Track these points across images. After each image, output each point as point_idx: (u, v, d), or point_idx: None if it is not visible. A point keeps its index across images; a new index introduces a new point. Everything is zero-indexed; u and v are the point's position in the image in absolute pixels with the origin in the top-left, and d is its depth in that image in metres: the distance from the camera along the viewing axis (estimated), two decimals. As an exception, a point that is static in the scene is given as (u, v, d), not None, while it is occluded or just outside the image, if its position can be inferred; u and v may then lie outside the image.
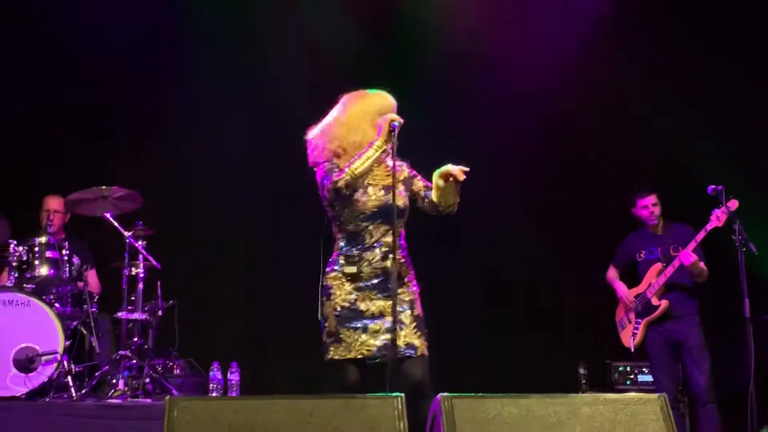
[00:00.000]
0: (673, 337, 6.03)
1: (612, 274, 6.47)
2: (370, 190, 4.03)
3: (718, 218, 5.72)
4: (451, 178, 3.96)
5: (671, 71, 7.35)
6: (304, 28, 7.41)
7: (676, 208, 6.41)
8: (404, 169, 4.16)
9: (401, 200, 4.03)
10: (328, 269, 4.06)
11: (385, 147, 3.93)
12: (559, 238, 7.48)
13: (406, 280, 4.04)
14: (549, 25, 7.35)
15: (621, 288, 6.34)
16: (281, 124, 7.23)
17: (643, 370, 6.76)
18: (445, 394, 3.08)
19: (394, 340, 3.72)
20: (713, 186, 5.76)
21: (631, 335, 6.14)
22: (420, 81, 7.05)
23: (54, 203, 6.52)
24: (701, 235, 5.85)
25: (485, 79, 7.37)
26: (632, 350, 6.13)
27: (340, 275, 4.00)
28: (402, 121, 3.95)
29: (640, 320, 6.12)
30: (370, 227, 4.00)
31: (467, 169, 3.94)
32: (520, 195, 7.54)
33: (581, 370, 7.01)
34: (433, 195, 4.07)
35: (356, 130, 4.07)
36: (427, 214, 4.18)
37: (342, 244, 4.06)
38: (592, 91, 7.36)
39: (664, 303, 6.03)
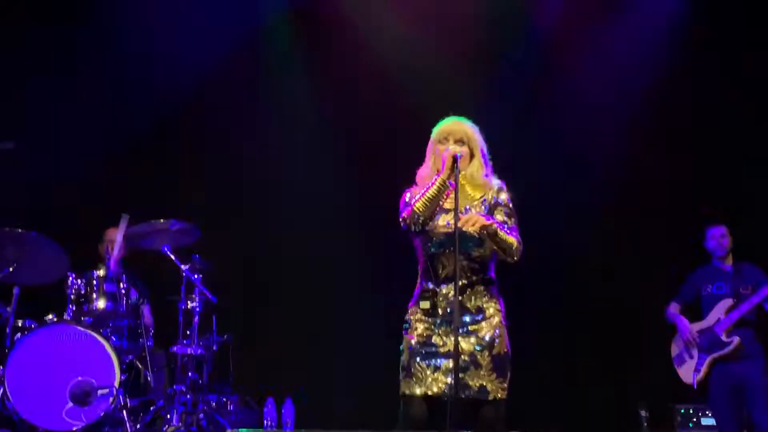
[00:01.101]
0: (736, 378, 5.84)
1: (673, 308, 6.28)
2: (441, 216, 3.88)
3: None
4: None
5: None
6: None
7: (748, 247, 6.24)
8: (492, 190, 3.97)
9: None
10: (410, 303, 3.97)
11: (446, 182, 3.82)
12: (629, 272, 7.33)
13: (486, 314, 3.86)
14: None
15: (683, 322, 6.14)
16: (347, 150, 7.28)
17: (707, 413, 6.55)
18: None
19: (457, 380, 3.60)
20: None
21: (693, 371, 5.93)
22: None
23: (115, 235, 6.53)
24: (746, 306, 5.75)
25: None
26: (695, 387, 5.92)
27: (418, 310, 3.90)
28: (461, 152, 3.86)
29: (705, 356, 5.91)
30: (442, 257, 3.86)
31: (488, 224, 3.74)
32: (586, 221, 7.41)
33: (642, 413, 6.82)
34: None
35: (425, 161, 4.04)
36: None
37: (420, 276, 3.97)
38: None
39: (737, 340, 5.83)
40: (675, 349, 6.21)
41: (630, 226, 7.42)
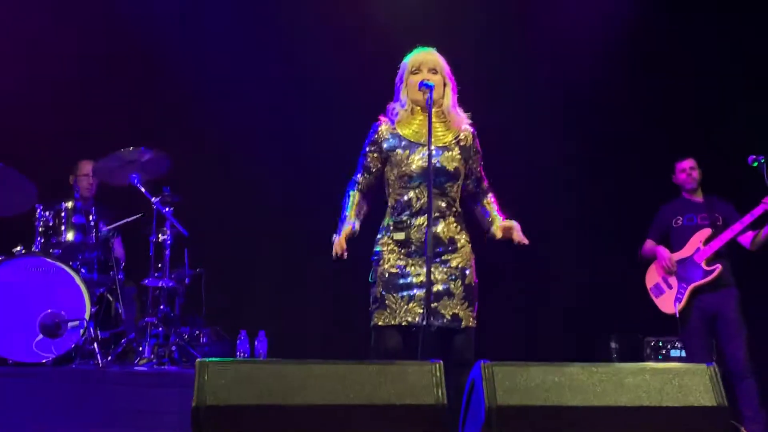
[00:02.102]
0: (709, 309, 5.85)
1: (649, 244, 6.26)
2: (417, 150, 3.93)
3: None
4: (509, 236, 3.95)
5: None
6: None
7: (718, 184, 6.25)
8: (467, 135, 4.05)
9: (453, 163, 3.95)
10: (379, 235, 4.00)
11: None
12: (593, 211, 7.34)
13: (458, 245, 3.93)
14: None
15: (663, 251, 6.04)
16: (321, 87, 7.17)
17: (676, 345, 6.64)
18: (486, 361, 2.96)
19: (428, 309, 3.62)
20: (754, 156, 5.59)
21: (674, 300, 5.91)
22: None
23: (89, 167, 6.44)
24: (748, 219, 5.70)
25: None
26: (677, 315, 5.85)
27: (390, 242, 3.92)
28: (431, 82, 3.86)
29: (685, 285, 5.90)
30: (416, 189, 3.91)
31: (527, 242, 3.93)
32: (554, 168, 7.40)
33: (612, 344, 6.91)
34: (486, 218, 4.09)
35: (396, 96, 4.09)
36: (462, 197, 4.09)
37: (392, 208, 4.00)
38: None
39: (720, 267, 5.81)
40: (651, 280, 6.14)
41: (602, 156, 7.40)
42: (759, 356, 5.80)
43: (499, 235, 3.99)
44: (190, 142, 7.19)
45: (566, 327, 7.24)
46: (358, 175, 4.07)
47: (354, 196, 4.03)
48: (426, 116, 3.87)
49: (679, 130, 7.14)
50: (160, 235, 6.20)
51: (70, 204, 5.92)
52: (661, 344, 6.70)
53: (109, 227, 6.11)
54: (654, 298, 6.08)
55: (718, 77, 7.12)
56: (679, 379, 2.97)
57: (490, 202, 4.13)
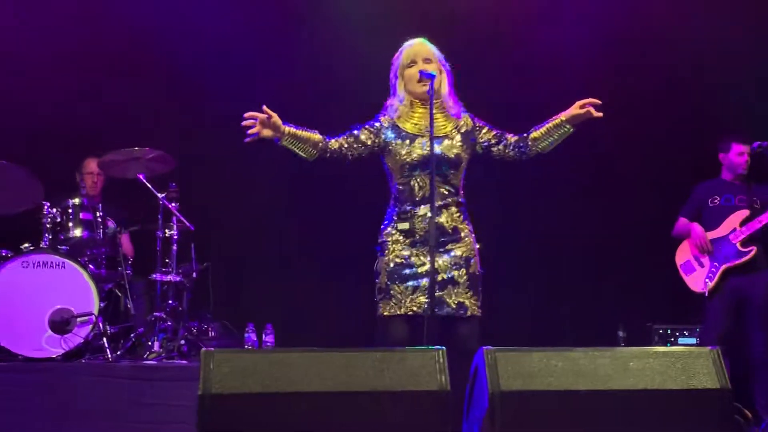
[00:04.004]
0: (739, 292, 5.78)
1: (683, 222, 6.14)
2: (417, 141, 3.95)
3: None
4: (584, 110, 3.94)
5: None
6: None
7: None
8: (466, 121, 4.08)
9: (454, 150, 3.96)
10: (383, 226, 4.03)
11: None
12: (604, 198, 7.32)
13: (462, 235, 3.96)
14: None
15: (699, 229, 5.97)
16: (324, 84, 7.18)
17: (684, 332, 6.61)
18: (489, 347, 2.98)
19: (432, 298, 3.64)
20: (759, 143, 5.58)
21: (705, 278, 5.85)
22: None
23: (94, 165, 6.48)
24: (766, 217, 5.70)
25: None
26: (706, 294, 5.78)
27: (394, 231, 3.93)
28: (429, 71, 3.88)
29: (717, 265, 5.84)
30: (418, 178, 3.93)
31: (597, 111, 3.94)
32: (570, 151, 7.35)
33: (620, 333, 6.89)
34: (542, 131, 4.04)
35: (392, 92, 4.11)
36: (504, 160, 4.11)
37: (395, 199, 4.03)
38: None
39: (754, 249, 5.77)
40: (682, 257, 6.07)
41: (619, 145, 7.36)
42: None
43: (575, 111, 3.97)
44: (197, 135, 7.21)
45: (573, 315, 7.23)
46: (341, 135, 4.07)
47: (316, 133, 4.02)
48: (426, 109, 3.89)
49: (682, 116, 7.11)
50: (166, 231, 6.22)
51: (77, 201, 5.96)
52: (669, 332, 6.68)
53: (117, 227, 6.15)
54: (684, 275, 6.00)
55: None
56: (683, 363, 2.99)
57: (521, 135, 4.11)
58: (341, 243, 6.97)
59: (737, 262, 5.79)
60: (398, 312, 3.85)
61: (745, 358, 5.86)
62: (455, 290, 3.86)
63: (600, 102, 3.94)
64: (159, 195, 6.15)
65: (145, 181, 6.10)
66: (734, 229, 5.85)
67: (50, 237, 5.84)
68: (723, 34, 6.72)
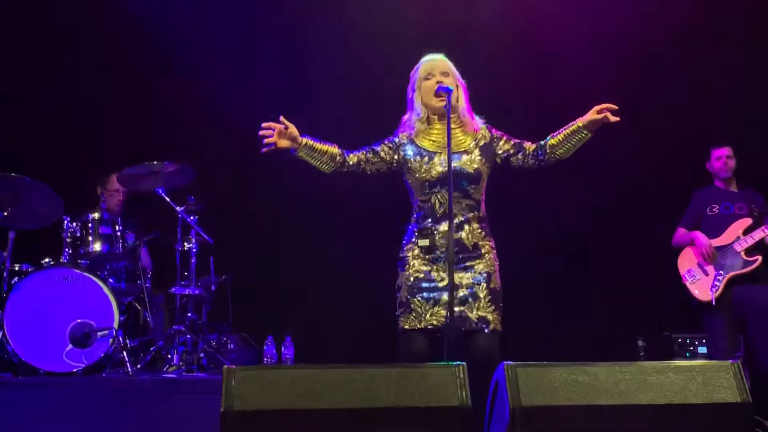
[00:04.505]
0: (743, 301, 5.75)
1: (683, 231, 6.12)
2: (436, 157, 3.96)
3: None
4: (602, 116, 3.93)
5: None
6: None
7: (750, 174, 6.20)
8: (484, 134, 4.08)
9: (474, 165, 3.96)
10: (404, 241, 4.04)
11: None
12: (618, 207, 7.30)
13: (482, 251, 3.95)
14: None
15: (703, 237, 5.93)
16: (350, 93, 7.20)
17: (703, 341, 6.57)
18: (509, 362, 2.98)
19: (451, 312, 3.64)
20: None
21: (711, 287, 5.80)
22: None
23: (118, 183, 6.53)
24: None
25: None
26: (713, 302, 5.72)
27: (415, 248, 3.94)
28: (446, 85, 3.90)
29: (723, 273, 5.80)
30: (438, 195, 3.94)
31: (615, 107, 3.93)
32: (583, 164, 7.35)
33: (640, 343, 6.87)
34: (559, 137, 4.02)
35: (409, 106, 4.13)
36: (524, 170, 4.10)
37: (416, 215, 4.03)
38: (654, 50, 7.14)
39: (759, 259, 5.75)
40: (685, 265, 6.02)
41: (628, 159, 7.35)
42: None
43: (592, 117, 3.96)
44: (215, 148, 7.25)
45: (593, 326, 7.20)
46: (359, 150, 4.09)
47: (334, 146, 4.03)
48: (443, 125, 3.89)
49: (708, 121, 7.09)
50: (185, 244, 6.27)
51: (96, 215, 6.00)
52: (688, 341, 6.65)
53: (136, 239, 6.19)
54: (687, 283, 5.95)
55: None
56: (703, 376, 2.98)
57: (538, 143, 4.10)
58: (360, 256, 6.99)
59: (743, 270, 5.78)
60: (418, 326, 3.86)
61: (756, 368, 5.85)
62: (476, 305, 3.85)
63: (617, 107, 3.94)
64: (178, 208, 6.19)
65: (164, 194, 6.14)
66: (738, 238, 5.84)
67: (70, 251, 5.88)
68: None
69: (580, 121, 3.99)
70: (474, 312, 3.84)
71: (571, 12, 7.12)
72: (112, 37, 7.16)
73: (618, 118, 3.93)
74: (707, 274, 5.86)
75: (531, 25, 7.17)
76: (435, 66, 4.04)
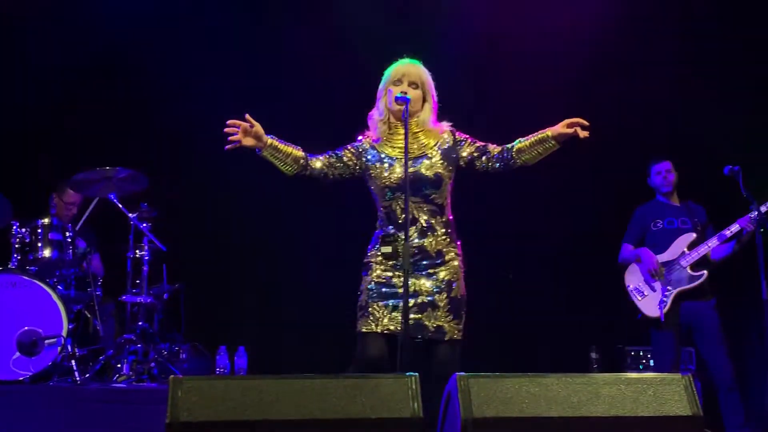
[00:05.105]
0: (692, 315, 5.78)
1: (628, 248, 6.13)
2: (397, 163, 3.95)
3: (749, 223, 5.57)
4: (571, 130, 3.92)
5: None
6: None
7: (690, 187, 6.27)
8: (447, 137, 4.05)
9: (434, 170, 3.94)
10: (369, 247, 4.02)
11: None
12: (571, 222, 7.34)
13: (446, 258, 3.93)
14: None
15: (649, 254, 5.93)
16: (303, 100, 7.16)
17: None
18: (461, 373, 2.96)
19: (405, 321, 3.61)
20: (730, 166, 5.61)
21: (659, 303, 5.76)
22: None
23: (77, 196, 6.41)
24: (726, 234, 5.71)
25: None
26: (662, 319, 5.70)
27: (378, 254, 3.92)
28: (405, 95, 3.87)
29: (670, 289, 5.81)
30: (399, 202, 3.91)
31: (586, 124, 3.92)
32: (534, 177, 7.39)
33: (593, 355, 6.90)
34: (526, 143, 4.00)
35: (376, 104, 4.09)
36: (489, 174, 4.06)
37: (380, 221, 4.03)
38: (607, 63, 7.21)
39: (706, 274, 5.76)
40: (632, 281, 6.02)
41: (578, 165, 7.37)
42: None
43: (562, 129, 3.94)
44: (168, 156, 7.17)
45: (546, 338, 7.23)
46: (324, 154, 4.06)
47: (299, 149, 4.01)
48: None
49: (653, 134, 7.17)
50: (137, 251, 6.18)
51: (46, 220, 5.89)
52: (641, 354, 6.69)
53: (87, 247, 6.09)
54: (635, 299, 5.96)
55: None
56: (654, 389, 2.99)
57: (504, 146, 4.07)
58: (315, 265, 6.95)
59: (690, 286, 5.81)
60: (375, 329, 3.83)
61: (707, 381, 5.92)
62: (435, 314, 3.84)
63: (588, 123, 3.94)
64: (130, 215, 6.10)
65: (116, 201, 6.05)
66: (683, 253, 5.88)
67: (19, 257, 5.78)
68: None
69: (549, 131, 3.97)
70: (432, 321, 3.83)
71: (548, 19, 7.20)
72: (62, 37, 7.06)
73: (587, 134, 3.93)
74: (654, 291, 5.88)
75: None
76: (407, 73, 4.02)
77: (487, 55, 7.29)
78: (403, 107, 3.83)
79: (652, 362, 6.56)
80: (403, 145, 3.88)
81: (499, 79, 7.26)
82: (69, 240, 5.92)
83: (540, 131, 4.01)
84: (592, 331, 7.05)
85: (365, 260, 4.00)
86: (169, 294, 6.47)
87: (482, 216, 6.87)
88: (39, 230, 5.84)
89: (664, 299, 5.76)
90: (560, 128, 3.96)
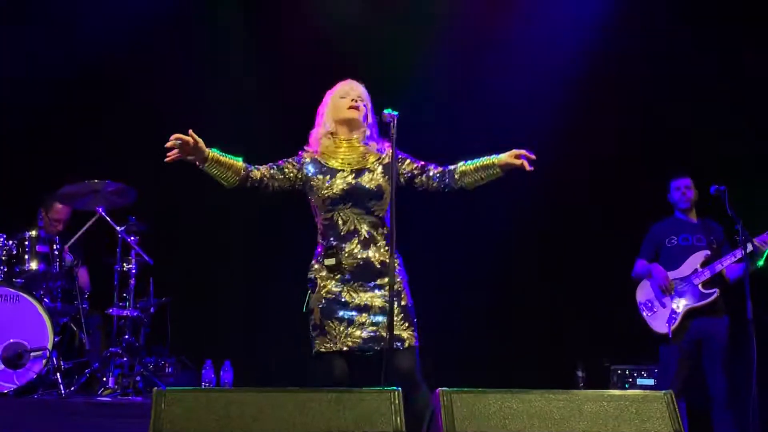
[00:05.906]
0: (699, 334, 5.74)
1: (642, 264, 6.09)
2: (339, 174, 3.98)
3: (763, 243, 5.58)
4: (519, 162, 3.94)
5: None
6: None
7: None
8: (388, 154, 4.04)
9: (375, 182, 3.98)
10: (313, 261, 4.02)
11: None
12: (560, 237, 7.36)
13: (390, 269, 3.88)
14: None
15: (658, 269, 5.91)
16: (276, 119, 7.19)
17: (642, 373, 6.60)
18: (445, 388, 2.97)
19: (391, 332, 3.62)
20: (716, 186, 5.62)
21: (668, 319, 5.77)
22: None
23: (64, 211, 6.40)
24: (728, 259, 5.72)
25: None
26: (670, 335, 5.69)
27: (322, 268, 3.93)
28: (352, 114, 3.99)
29: (679, 305, 5.77)
30: (341, 213, 3.94)
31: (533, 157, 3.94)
32: (526, 191, 7.41)
33: (579, 372, 6.90)
34: (471, 167, 4.02)
35: (317, 123, 4.16)
36: (428, 192, 4.09)
37: (320, 234, 4.04)
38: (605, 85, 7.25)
39: (717, 292, 5.73)
40: (643, 295, 6.00)
41: (574, 183, 7.41)
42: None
43: (509, 159, 3.96)
44: (156, 170, 7.14)
45: (532, 355, 7.24)
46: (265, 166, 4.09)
47: (239, 161, 4.02)
48: (349, 143, 4.02)
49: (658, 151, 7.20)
50: (125, 264, 6.17)
51: (33, 233, 5.89)
52: (627, 372, 6.68)
53: (74, 260, 6.07)
54: (645, 314, 5.94)
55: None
56: (636, 406, 3.01)
57: (446, 167, 4.10)
58: (301, 280, 6.93)
59: (700, 303, 5.78)
60: (334, 348, 3.84)
61: (705, 398, 5.89)
62: (390, 324, 3.83)
63: (534, 157, 3.96)
64: (118, 228, 6.10)
65: (104, 214, 6.05)
66: (696, 270, 5.85)
67: (5, 269, 5.77)
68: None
69: (495, 159, 4.01)
70: (388, 332, 3.83)
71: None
72: (48, 47, 7.07)
73: (533, 168, 3.95)
74: (665, 306, 5.86)
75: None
76: (352, 89, 4.12)
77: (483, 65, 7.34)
78: (393, 122, 3.83)
79: (639, 380, 6.55)
80: (347, 157, 4.00)
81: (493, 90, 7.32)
82: (56, 253, 5.93)
83: (486, 157, 4.04)
84: (578, 349, 7.05)
85: (309, 275, 4.00)
86: (155, 308, 6.46)
87: (477, 231, 6.92)
88: (26, 242, 5.85)
89: (674, 316, 5.76)
90: (507, 158, 3.98)
